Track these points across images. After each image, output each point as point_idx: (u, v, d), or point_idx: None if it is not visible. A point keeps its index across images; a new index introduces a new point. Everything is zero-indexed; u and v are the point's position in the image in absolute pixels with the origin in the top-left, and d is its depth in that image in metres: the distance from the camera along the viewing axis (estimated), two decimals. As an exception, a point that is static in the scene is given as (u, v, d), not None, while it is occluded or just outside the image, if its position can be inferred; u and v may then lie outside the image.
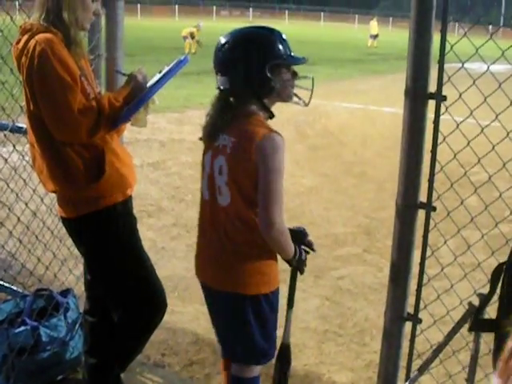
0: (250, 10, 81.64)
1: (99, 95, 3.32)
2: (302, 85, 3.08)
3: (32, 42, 3.06)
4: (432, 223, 3.11)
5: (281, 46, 2.94)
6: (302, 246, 3.16)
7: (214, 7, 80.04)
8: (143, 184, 8.57)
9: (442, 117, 2.94)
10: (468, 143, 2.96)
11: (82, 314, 3.92)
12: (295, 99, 3.12)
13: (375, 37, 42.90)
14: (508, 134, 2.90)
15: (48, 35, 3.08)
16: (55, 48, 3.05)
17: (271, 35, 2.97)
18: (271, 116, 3.05)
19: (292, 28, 59.91)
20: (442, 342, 2.91)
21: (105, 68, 4.07)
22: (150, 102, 3.39)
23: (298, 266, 3.19)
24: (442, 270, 3.32)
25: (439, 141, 2.97)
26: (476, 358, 2.86)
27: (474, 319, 2.72)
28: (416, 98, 2.95)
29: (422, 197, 3.05)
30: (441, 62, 2.88)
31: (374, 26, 43.38)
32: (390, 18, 75.06)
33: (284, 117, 13.75)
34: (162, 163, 9.74)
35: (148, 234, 6.75)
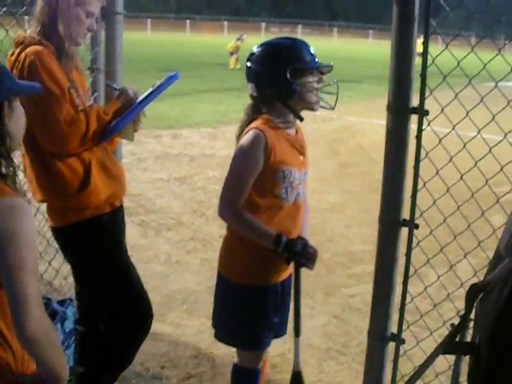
0: (299, 26, 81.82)
1: (89, 108, 3.34)
2: (330, 90, 3.19)
3: (22, 55, 3.13)
4: (415, 241, 3.05)
5: (303, 52, 3.11)
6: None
7: (263, 24, 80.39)
8: (167, 198, 8.64)
9: (424, 129, 2.89)
10: (450, 159, 2.91)
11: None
12: (322, 103, 3.21)
13: (420, 54, 42.59)
14: (491, 150, 2.83)
15: (38, 47, 3.13)
16: (44, 60, 3.10)
17: (293, 42, 3.15)
18: (299, 118, 3.19)
19: (340, 45, 60.14)
20: (423, 363, 2.84)
21: (104, 82, 4.09)
22: (141, 115, 3.41)
23: (291, 256, 3.11)
24: (425, 289, 3.25)
25: (422, 156, 2.92)
26: (457, 381, 2.78)
27: (448, 342, 2.64)
28: (398, 113, 2.91)
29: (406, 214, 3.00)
30: (423, 76, 2.84)
31: (419, 44, 43.08)
32: (439, 37, 74.42)
33: (319, 134, 13.75)
34: (189, 178, 9.75)
35: (164, 248, 6.80)
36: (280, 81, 3.03)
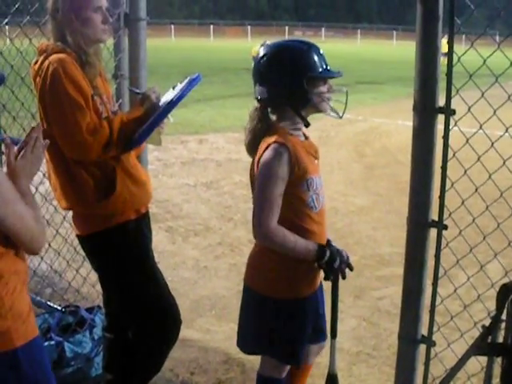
0: (323, 29, 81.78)
1: (113, 115, 3.35)
2: (337, 98, 3.14)
3: (46, 63, 3.15)
4: (444, 242, 3.02)
5: (317, 60, 3.03)
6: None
7: (287, 27, 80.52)
8: (194, 203, 8.65)
9: (450, 129, 2.87)
10: (478, 159, 2.87)
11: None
12: (330, 112, 3.16)
13: (445, 55, 42.40)
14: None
15: (61, 55, 3.15)
16: (67, 68, 3.11)
17: (309, 49, 3.05)
18: (307, 125, 3.12)
19: (364, 47, 59.97)
20: (455, 365, 2.81)
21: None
22: (165, 120, 3.40)
23: (326, 271, 3.10)
24: (455, 290, 3.21)
25: (449, 156, 2.89)
26: (489, 383, 2.75)
27: (480, 343, 2.61)
28: (424, 113, 2.88)
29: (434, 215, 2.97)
30: (448, 75, 2.81)
31: (444, 44, 42.87)
32: (463, 36, 74.00)
33: (344, 136, 13.72)
34: (216, 183, 9.76)
35: (192, 253, 6.81)
36: (296, 89, 2.97)
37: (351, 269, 3.14)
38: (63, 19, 3.19)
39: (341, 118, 3.13)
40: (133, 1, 3.95)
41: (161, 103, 3.36)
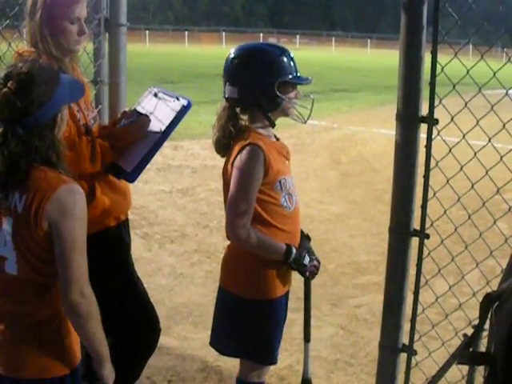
0: (297, 37, 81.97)
1: (92, 121, 3.31)
2: (304, 103, 3.21)
3: None
4: (426, 251, 3.03)
5: (289, 65, 3.10)
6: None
7: (261, 34, 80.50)
8: (169, 210, 8.61)
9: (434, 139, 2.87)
10: (461, 168, 2.88)
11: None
12: (295, 116, 3.24)
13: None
14: (502, 158, 2.81)
15: None
16: None
17: (282, 54, 3.11)
18: (273, 126, 3.18)
19: (339, 55, 60.21)
20: (436, 374, 2.81)
21: (107, 94, 4.07)
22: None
23: (297, 269, 3.17)
24: (437, 299, 3.22)
25: (432, 166, 2.90)
26: (471, 392, 2.75)
27: (463, 352, 2.61)
28: (407, 122, 2.89)
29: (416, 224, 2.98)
30: (432, 84, 2.82)
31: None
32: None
33: (320, 144, 13.75)
34: (191, 189, 9.72)
35: (169, 260, 6.78)
36: (267, 92, 3.03)
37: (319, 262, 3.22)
38: (36, 25, 3.15)
39: (305, 122, 3.21)
40: (113, 6, 3.93)
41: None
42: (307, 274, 3.17)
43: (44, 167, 2.37)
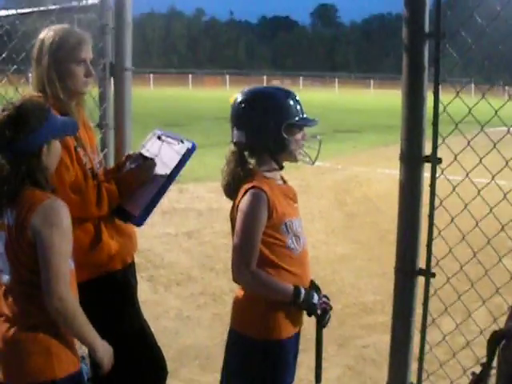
0: (301, 78, 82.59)
1: (98, 165, 3.34)
2: (311, 145, 3.22)
3: None
4: (432, 290, 3.03)
5: (295, 107, 3.11)
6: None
7: (265, 76, 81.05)
8: (175, 253, 8.60)
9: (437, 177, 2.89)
10: (465, 206, 2.90)
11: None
12: (303, 158, 3.23)
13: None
14: (505, 196, 2.83)
15: None
16: None
17: (288, 96, 3.13)
18: (281, 168, 3.20)
19: (341, 96, 60.50)
20: (445, 414, 2.79)
21: (113, 138, 4.11)
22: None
23: (307, 309, 3.13)
24: (444, 337, 3.21)
25: (436, 204, 2.91)
26: (480, 432, 2.72)
27: (470, 391, 2.59)
28: (411, 162, 2.91)
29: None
30: (435, 124, 2.84)
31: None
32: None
33: (324, 185, 13.75)
34: (197, 232, 9.72)
35: (175, 303, 6.76)
36: (275, 135, 3.05)
37: (330, 307, 3.17)
38: (43, 70, 3.20)
39: (313, 164, 3.21)
40: (119, 50, 3.98)
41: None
42: (319, 311, 3.12)
43: (34, 188, 2.65)
